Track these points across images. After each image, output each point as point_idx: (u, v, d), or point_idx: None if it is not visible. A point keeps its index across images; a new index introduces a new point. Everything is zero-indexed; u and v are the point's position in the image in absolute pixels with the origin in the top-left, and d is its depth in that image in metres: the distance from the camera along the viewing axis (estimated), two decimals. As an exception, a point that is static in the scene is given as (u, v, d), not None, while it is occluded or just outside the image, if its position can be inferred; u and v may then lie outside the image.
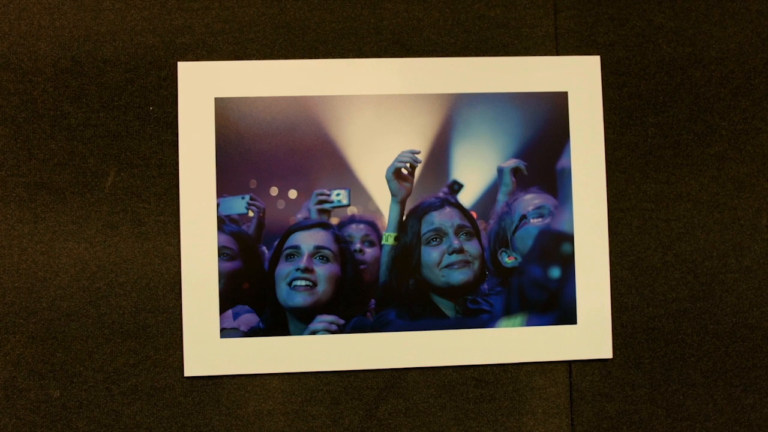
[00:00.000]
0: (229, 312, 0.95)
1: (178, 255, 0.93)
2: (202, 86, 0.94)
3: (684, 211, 0.99)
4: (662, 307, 0.98)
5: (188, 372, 0.93)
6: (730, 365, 0.99)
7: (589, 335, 0.97)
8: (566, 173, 0.99)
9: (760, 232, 1.00)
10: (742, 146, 1.01)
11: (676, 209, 0.99)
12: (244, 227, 0.94)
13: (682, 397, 0.98)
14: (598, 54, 1.00)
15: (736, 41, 1.02)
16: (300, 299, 0.95)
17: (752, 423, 0.99)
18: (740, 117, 1.01)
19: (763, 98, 1.02)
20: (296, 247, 0.94)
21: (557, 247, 0.98)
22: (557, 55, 1.00)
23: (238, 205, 0.97)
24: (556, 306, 0.97)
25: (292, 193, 0.96)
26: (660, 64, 1.01)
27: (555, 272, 0.98)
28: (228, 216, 0.96)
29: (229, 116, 0.96)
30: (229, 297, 0.95)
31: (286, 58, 0.96)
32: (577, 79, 1.00)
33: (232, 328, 0.95)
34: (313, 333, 0.95)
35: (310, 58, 0.96)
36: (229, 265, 0.95)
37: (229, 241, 0.96)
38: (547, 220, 0.98)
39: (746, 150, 1.01)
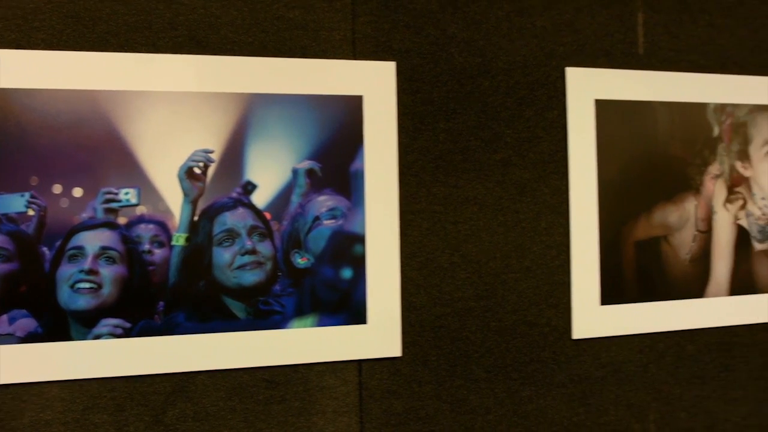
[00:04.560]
0: (4, 317, 1.24)
1: (-54, 256, 1.26)
2: (-23, 77, 1.20)
3: (471, 214, 1.47)
4: (449, 306, 1.46)
5: (-44, 380, 1.16)
6: (510, 360, 1.51)
7: (379, 334, 1.45)
8: (359, 175, 1.45)
9: (539, 234, 1.51)
10: (525, 153, 1.53)
11: (464, 212, 1.47)
12: (23, 227, 1.24)
13: (465, 392, 1.48)
14: (393, 60, 1.43)
15: (522, 54, 1.55)
16: (83, 302, 1.31)
17: (529, 414, 1.52)
18: (524, 125, 1.52)
19: (545, 108, 1.56)
20: (80, 248, 1.27)
21: (349, 248, 1.45)
22: (354, 59, 1.46)
23: (17, 203, 1.29)
24: (347, 306, 1.43)
25: (77, 192, 1.27)
26: (452, 73, 1.52)
27: (347, 273, 1.44)
28: (5, 215, 1.23)
29: (10, 108, 1.24)
30: (4, 301, 1.24)
31: (74, 50, 1.27)
32: (373, 83, 1.47)
33: (6, 334, 1.28)
34: (97, 337, 1.31)
35: (101, 50, 1.28)
36: (4, 267, 1.27)
37: (5, 242, 1.28)
38: (340, 222, 1.44)
39: (529, 157, 1.53)
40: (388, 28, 1.44)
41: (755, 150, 1.66)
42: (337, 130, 1.41)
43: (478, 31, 1.48)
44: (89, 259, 1.29)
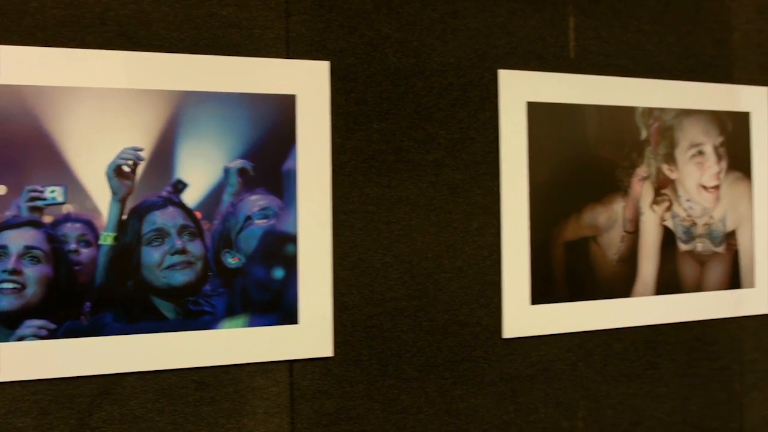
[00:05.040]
0: None
1: None
2: None
3: (403, 214, 1.54)
4: (381, 306, 1.52)
5: None
6: (442, 359, 1.58)
7: (310, 334, 1.50)
8: (292, 175, 1.50)
9: (471, 235, 1.61)
10: (457, 154, 1.61)
11: (396, 212, 1.54)
12: (-59, 225, 1.32)
13: (397, 392, 1.55)
14: (327, 59, 1.49)
15: (455, 55, 1.63)
16: (6, 303, 1.32)
17: (460, 413, 1.60)
18: (457, 126, 1.61)
19: (478, 110, 1.64)
20: (3, 247, 1.27)
21: (281, 247, 1.49)
22: (287, 58, 1.52)
23: (-65, 201, 1.34)
24: (279, 306, 1.48)
25: (1, 189, 1.27)
26: (386, 73, 1.58)
27: (278, 273, 1.49)
28: None
29: (-75, 102, 1.33)
30: None
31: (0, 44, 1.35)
32: (306, 82, 1.52)
33: (-76, 336, 1.32)
34: (21, 339, 1.32)
35: (27, 44, 1.29)
36: None
37: None
38: (272, 221, 1.48)
39: (461, 158, 1.61)
40: (322, 27, 1.49)
41: (681, 153, 1.77)
42: (270, 129, 1.46)
43: (412, 32, 1.54)
44: (13, 258, 1.31)
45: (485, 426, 1.56)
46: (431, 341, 1.51)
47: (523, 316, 1.58)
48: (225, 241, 1.41)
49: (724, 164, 1.80)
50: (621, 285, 1.68)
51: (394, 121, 1.51)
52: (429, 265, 1.51)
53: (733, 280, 1.82)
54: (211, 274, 1.40)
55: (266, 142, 1.44)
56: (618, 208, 1.68)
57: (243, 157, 1.43)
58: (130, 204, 1.37)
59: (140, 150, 1.37)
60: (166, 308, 1.38)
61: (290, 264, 1.44)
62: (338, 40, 1.49)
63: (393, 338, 1.49)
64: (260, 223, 1.43)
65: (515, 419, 1.59)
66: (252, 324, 1.41)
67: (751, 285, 1.84)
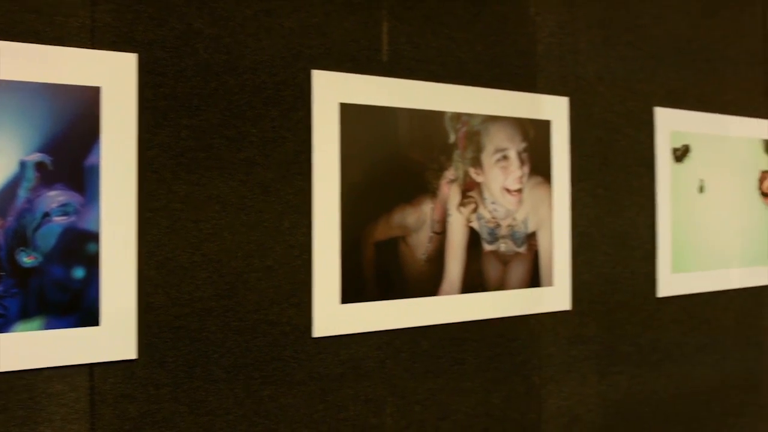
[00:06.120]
0: None
1: None
2: None
3: (213, 213, 1.60)
4: (188, 306, 1.57)
5: None
6: (251, 359, 1.64)
7: (112, 336, 1.50)
8: (95, 171, 1.49)
9: (281, 234, 1.68)
10: (269, 153, 1.68)
11: (206, 210, 1.59)
12: None
13: (204, 393, 1.59)
14: (135, 52, 1.53)
15: (269, 54, 1.69)
16: None
17: (269, 413, 1.66)
18: (269, 125, 1.68)
19: (290, 109, 1.71)
20: None
21: (82, 246, 1.49)
22: (92, 48, 1.52)
23: None
24: (79, 307, 1.47)
25: None
26: (197, 68, 1.61)
27: (79, 272, 1.48)
28: None
29: None
30: None
31: None
32: (112, 75, 1.52)
33: None
34: None
35: None
36: None
37: None
38: (72, 218, 1.48)
39: (273, 156, 1.68)
40: (131, 18, 1.50)
41: (487, 157, 1.93)
42: (72, 122, 1.45)
43: (225, 28, 1.59)
44: None
45: (295, 425, 1.63)
46: (240, 341, 1.57)
47: (333, 315, 1.67)
48: (20, 239, 1.40)
49: (526, 169, 1.98)
50: (429, 284, 1.81)
51: (204, 117, 1.55)
52: (239, 265, 1.56)
53: (534, 278, 2.01)
54: (3, 274, 1.38)
55: (68, 136, 1.44)
56: (426, 209, 1.80)
57: (41, 150, 1.42)
58: None
59: (-77, 140, 1.33)
60: (-48, 311, 1.34)
61: (92, 263, 1.44)
62: (147, 32, 1.51)
63: (201, 339, 1.53)
64: (59, 220, 1.42)
65: (325, 418, 1.68)
66: (49, 326, 1.41)
67: (550, 284, 2.04)
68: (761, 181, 2.60)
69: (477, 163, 1.88)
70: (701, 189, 2.41)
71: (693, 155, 2.39)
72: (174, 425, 1.50)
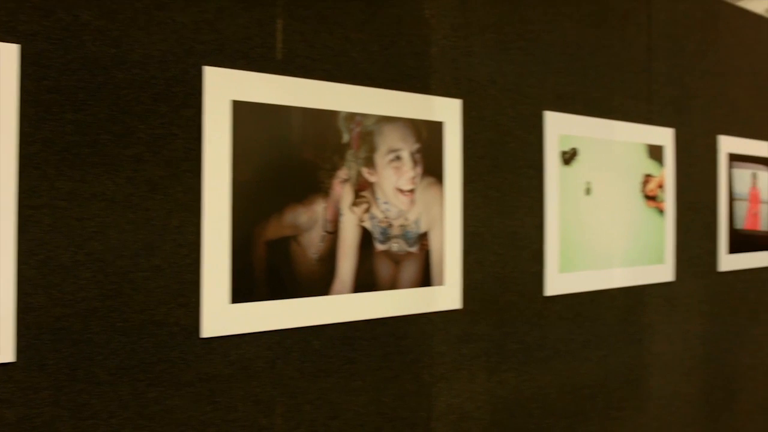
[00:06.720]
0: None
1: None
2: None
3: (98, 210, 1.57)
4: (71, 307, 1.53)
5: None
6: (137, 361, 1.62)
7: (-11, 338, 1.47)
8: (-29, 166, 1.46)
9: (170, 233, 1.66)
10: (158, 150, 1.66)
11: (90, 208, 1.56)
12: None
13: (87, 396, 1.55)
14: (17, 42, 1.50)
15: (159, 48, 1.67)
16: None
17: (155, 415, 1.64)
18: (159, 122, 1.66)
19: (181, 106, 1.69)
20: None
21: (-44, 244, 1.44)
22: (-31, 36, 1.47)
23: None
24: (-48, 308, 1.43)
25: None
26: (83, 61, 1.57)
27: (-48, 272, 1.44)
28: None
29: None
30: None
31: None
32: (-9, 65, 1.49)
33: None
34: None
35: None
36: None
37: None
38: (-54, 216, 1.43)
39: (162, 154, 1.66)
40: (13, 7, 1.46)
41: (380, 157, 1.96)
42: (-54, 113, 1.40)
43: (113, 21, 1.56)
44: None
45: (182, 428, 1.62)
46: (126, 342, 1.54)
47: (222, 315, 1.67)
48: None
49: (419, 169, 2.02)
50: (320, 283, 1.83)
51: (90, 112, 1.52)
52: (125, 264, 1.54)
53: (425, 278, 2.05)
54: None
55: (-59, 128, 1.38)
56: (319, 208, 1.82)
57: None
58: None
59: None
60: None
61: (-34, 262, 1.39)
62: (31, 22, 1.47)
63: (84, 340, 1.50)
64: (-69, 216, 1.36)
65: (213, 419, 1.67)
66: None
67: (441, 283, 2.09)
68: (644, 184, 2.73)
69: (370, 163, 1.90)
70: (588, 191, 2.51)
71: (580, 158, 2.48)
72: (55, 430, 1.46)
